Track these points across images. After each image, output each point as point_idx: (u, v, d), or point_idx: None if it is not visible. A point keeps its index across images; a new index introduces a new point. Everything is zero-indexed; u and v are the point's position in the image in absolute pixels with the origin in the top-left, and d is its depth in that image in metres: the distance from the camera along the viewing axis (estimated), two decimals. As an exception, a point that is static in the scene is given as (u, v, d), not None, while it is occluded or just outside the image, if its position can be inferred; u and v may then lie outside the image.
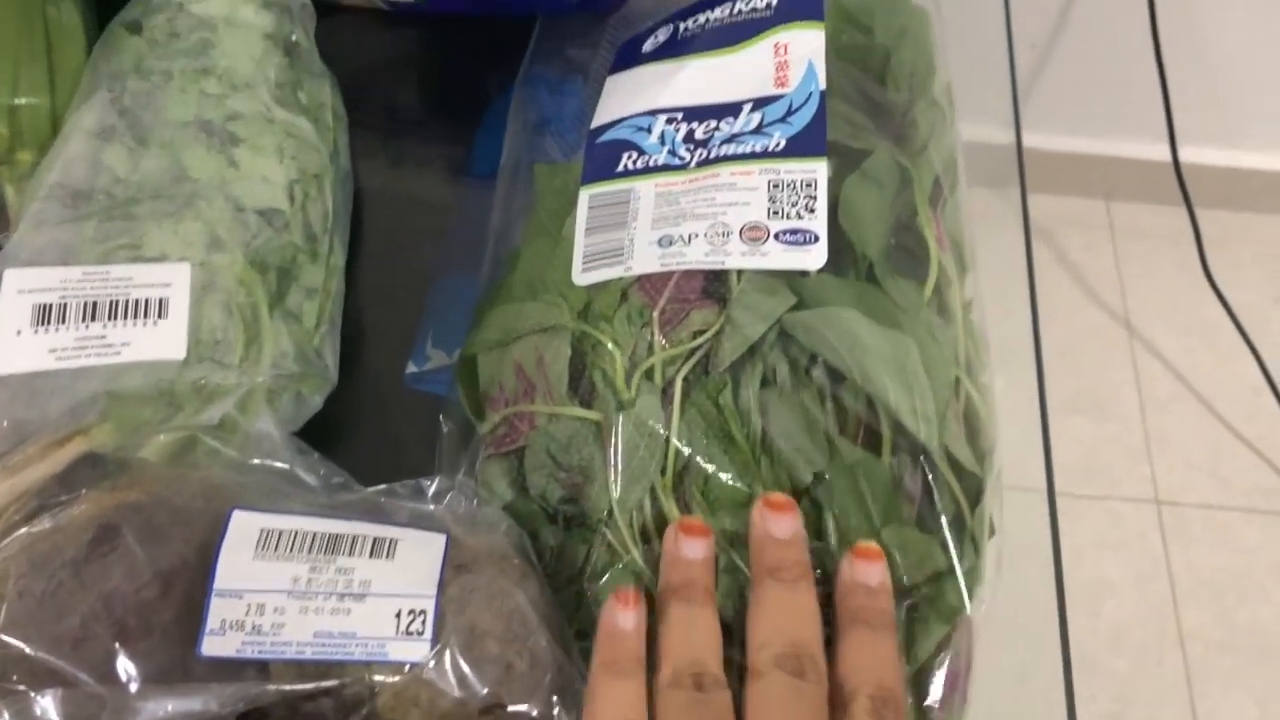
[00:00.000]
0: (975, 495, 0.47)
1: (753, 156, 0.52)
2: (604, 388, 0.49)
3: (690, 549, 0.44)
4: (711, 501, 0.46)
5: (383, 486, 0.48)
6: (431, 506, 0.46)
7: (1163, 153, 1.62)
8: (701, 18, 0.61)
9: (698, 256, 0.50)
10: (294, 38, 0.63)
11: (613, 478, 0.47)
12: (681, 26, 0.61)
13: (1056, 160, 1.84)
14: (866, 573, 0.43)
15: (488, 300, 0.56)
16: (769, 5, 0.58)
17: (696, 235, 0.50)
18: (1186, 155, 1.61)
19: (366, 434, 0.60)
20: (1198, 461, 1.66)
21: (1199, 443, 1.67)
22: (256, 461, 0.47)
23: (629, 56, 0.62)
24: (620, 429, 0.47)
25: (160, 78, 0.56)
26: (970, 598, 0.45)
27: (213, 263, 0.50)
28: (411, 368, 0.64)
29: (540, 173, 0.60)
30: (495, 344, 0.53)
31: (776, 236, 0.49)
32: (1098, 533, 1.59)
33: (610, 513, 0.47)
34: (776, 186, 0.51)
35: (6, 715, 0.39)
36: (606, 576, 0.46)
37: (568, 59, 0.70)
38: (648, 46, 0.61)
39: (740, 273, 0.49)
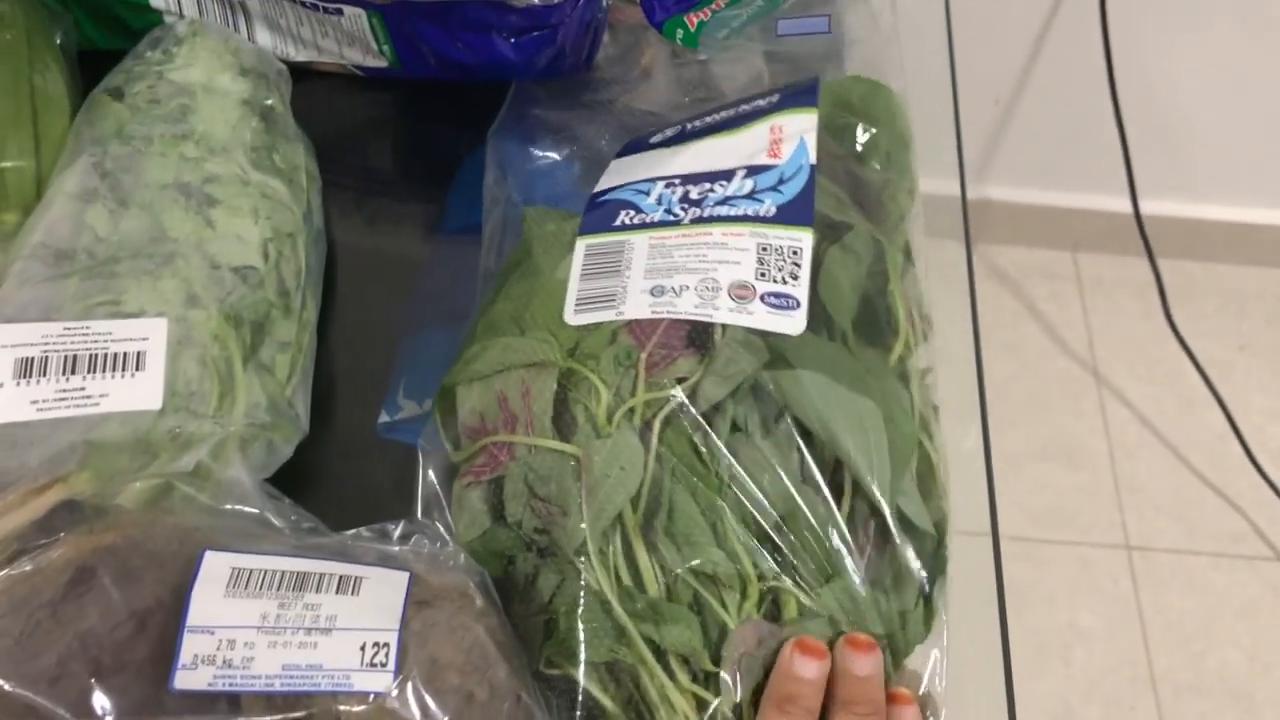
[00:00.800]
0: (930, 555, 0.51)
1: (744, 219, 0.56)
2: (585, 423, 0.51)
3: (803, 667, 0.46)
4: (676, 538, 0.49)
5: (350, 531, 0.50)
6: (396, 548, 0.48)
7: (1126, 205, 1.66)
8: (709, 117, 0.65)
9: (688, 308, 0.53)
10: (269, 102, 0.66)
11: (584, 507, 0.49)
12: (689, 125, 0.66)
13: (1024, 212, 1.88)
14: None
15: (471, 334, 0.59)
16: (769, 101, 0.63)
17: (688, 288, 0.54)
18: (1148, 208, 1.66)
19: (338, 481, 0.62)
20: (1166, 507, 1.68)
21: (1167, 488, 1.70)
22: (229, 507, 0.49)
23: (636, 146, 0.66)
24: (596, 460, 0.50)
25: (141, 142, 0.59)
26: (907, 654, 0.49)
27: (189, 318, 0.53)
28: (384, 417, 0.66)
29: (530, 215, 0.63)
30: (478, 376, 0.56)
31: (763, 298, 0.53)
32: (1069, 579, 1.61)
33: (584, 545, 0.49)
34: (765, 250, 0.54)
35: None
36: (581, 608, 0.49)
37: (540, 118, 0.74)
38: (655, 139, 0.66)
39: (725, 327, 0.52)
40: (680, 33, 0.75)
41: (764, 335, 0.52)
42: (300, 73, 0.74)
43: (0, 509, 0.48)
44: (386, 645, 0.43)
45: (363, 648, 0.43)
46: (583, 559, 0.49)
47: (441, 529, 0.52)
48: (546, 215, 0.65)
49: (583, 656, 0.47)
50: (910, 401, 0.54)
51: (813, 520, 0.49)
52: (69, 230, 0.55)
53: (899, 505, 0.50)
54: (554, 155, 0.74)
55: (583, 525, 0.49)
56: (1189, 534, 1.66)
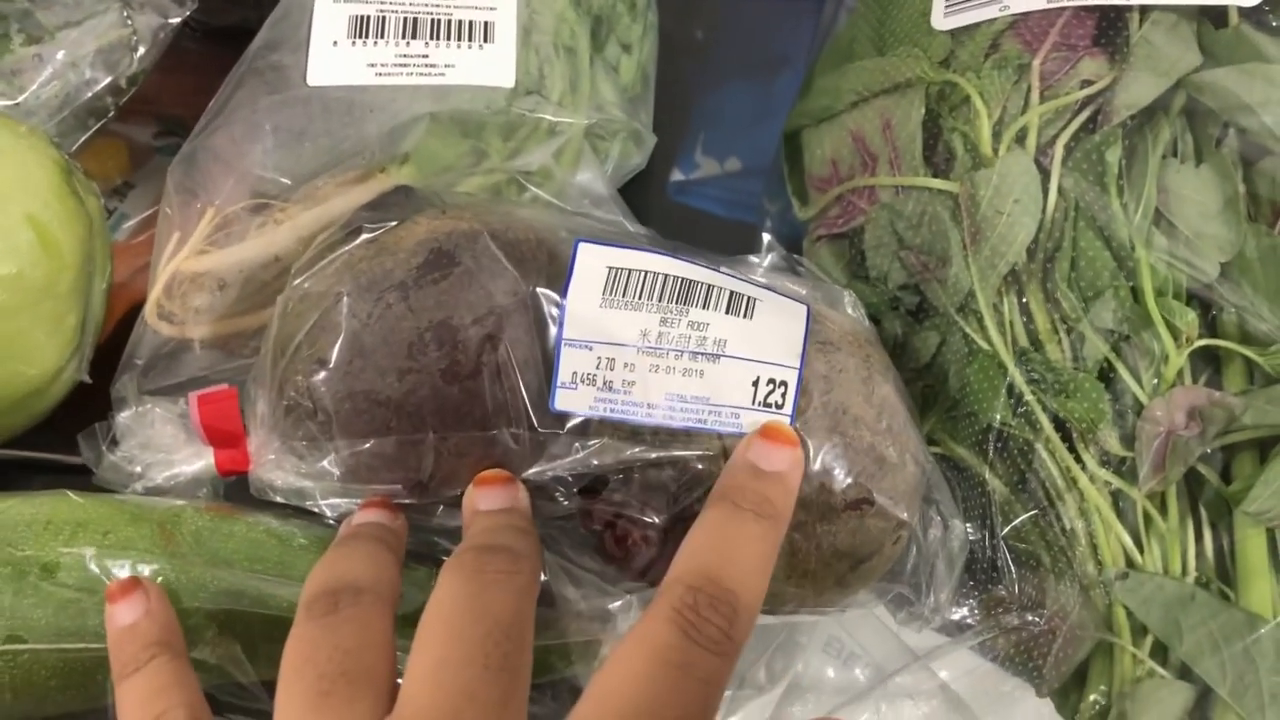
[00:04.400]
0: None
1: None
2: (964, 153, 0.42)
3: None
4: (1082, 288, 0.40)
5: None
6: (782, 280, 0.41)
7: None
8: None
9: None
10: None
11: (969, 254, 0.41)
12: None
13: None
14: (762, 454, 0.33)
15: (817, 67, 0.50)
16: None
17: None
18: None
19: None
20: None
21: None
22: (580, 212, 0.42)
23: None
24: (982, 194, 0.41)
25: None
26: None
27: (537, -6, 0.45)
28: (677, 175, 0.58)
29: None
30: (826, 114, 0.47)
31: None
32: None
33: (970, 299, 0.41)
34: None
35: (329, 456, 0.36)
36: (972, 368, 0.40)
37: None
38: None
39: (1144, 16, 0.41)
40: None
41: (1197, 26, 0.41)
42: None
43: (324, 193, 0.42)
44: (784, 384, 0.35)
45: (755, 383, 0.35)
46: (969, 315, 0.41)
47: (817, 269, 0.44)
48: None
49: (986, 422, 0.40)
50: None
51: (1262, 262, 0.39)
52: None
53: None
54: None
55: (969, 275, 0.41)
56: None
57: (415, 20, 0.43)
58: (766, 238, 0.48)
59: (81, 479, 0.39)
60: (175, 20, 0.50)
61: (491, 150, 0.43)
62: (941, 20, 0.45)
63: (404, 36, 0.43)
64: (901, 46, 0.45)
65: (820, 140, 0.48)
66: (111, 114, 0.49)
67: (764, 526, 0.32)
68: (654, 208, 0.56)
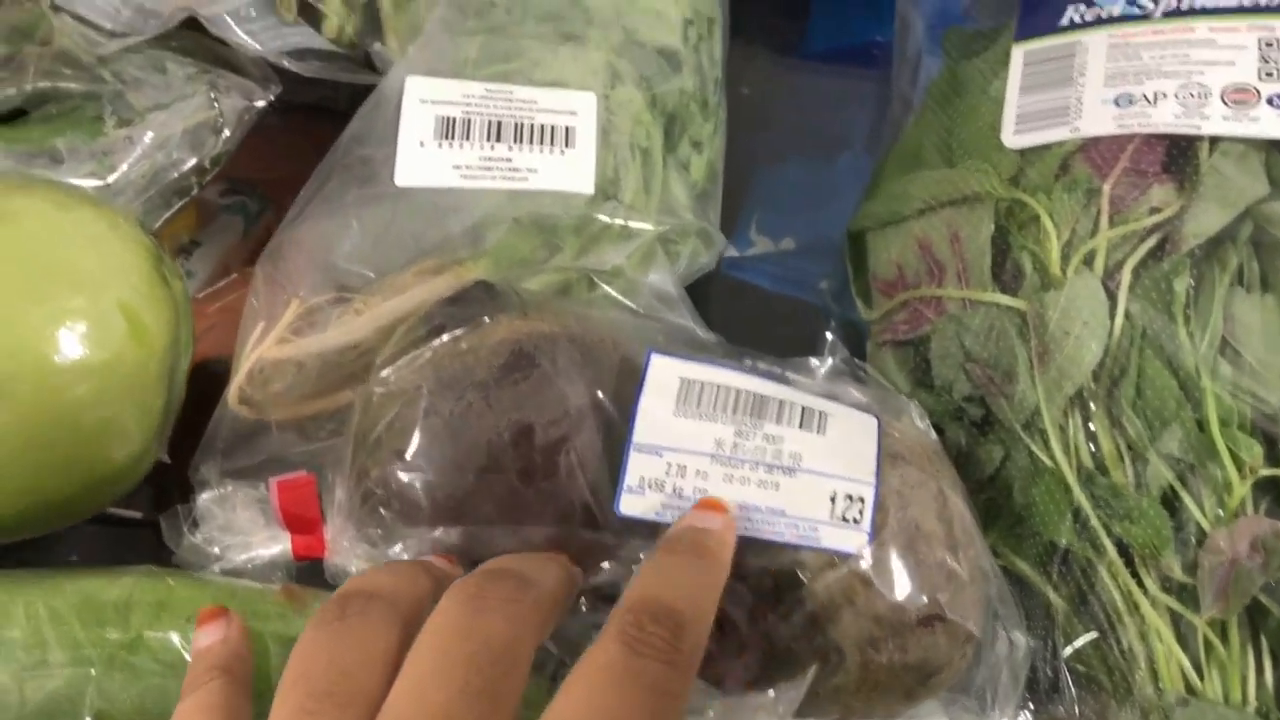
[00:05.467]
0: None
1: (1240, 11, 0.45)
2: (1032, 271, 0.43)
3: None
4: (1146, 413, 0.40)
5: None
6: (848, 388, 0.41)
7: None
8: None
9: (1166, 119, 0.43)
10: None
11: (1036, 373, 0.41)
12: None
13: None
14: (697, 516, 0.35)
15: (881, 169, 0.51)
16: None
17: (1164, 95, 0.43)
18: None
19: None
20: None
21: None
22: (650, 316, 0.43)
23: None
24: (1050, 315, 0.41)
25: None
26: None
27: (613, 97, 0.46)
28: (731, 251, 0.59)
29: (952, 37, 0.53)
30: (893, 218, 0.48)
31: (1270, 102, 0.42)
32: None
33: (1036, 418, 0.41)
34: (1270, 45, 0.44)
35: (402, 544, 0.37)
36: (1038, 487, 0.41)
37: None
38: None
39: (1213, 146, 0.42)
40: None
41: (1266, 156, 0.42)
42: None
43: (401, 284, 0.43)
44: (861, 500, 0.36)
45: (833, 498, 0.36)
46: (1034, 433, 0.41)
47: (876, 373, 0.44)
48: (975, 36, 0.55)
49: (1050, 541, 0.40)
50: None
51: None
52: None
53: None
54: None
55: (1036, 393, 0.41)
56: None
57: (500, 124, 0.45)
58: (830, 337, 0.49)
59: (131, 531, 0.41)
60: (260, 104, 0.51)
61: (566, 248, 0.44)
62: (1012, 138, 0.46)
63: (488, 139, 0.44)
64: (970, 159, 0.46)
65: (886, 244, 0.48)
66: (194, 192, 0.51)
67: (701, 562, 0.33)
68: (708, 282, 0.56)
